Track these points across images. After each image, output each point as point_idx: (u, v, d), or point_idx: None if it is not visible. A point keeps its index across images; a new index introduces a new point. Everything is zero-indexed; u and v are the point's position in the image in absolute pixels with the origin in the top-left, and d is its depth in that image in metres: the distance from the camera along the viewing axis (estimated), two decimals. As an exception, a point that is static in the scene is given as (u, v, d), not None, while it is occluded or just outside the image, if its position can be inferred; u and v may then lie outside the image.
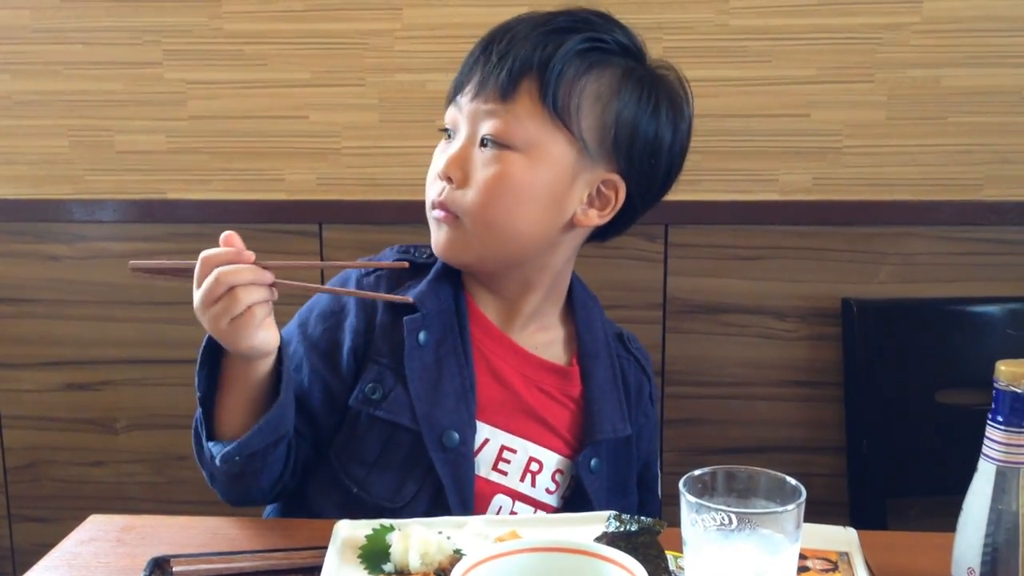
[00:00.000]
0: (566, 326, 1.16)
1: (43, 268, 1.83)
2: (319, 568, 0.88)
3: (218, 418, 1.00)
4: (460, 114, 1.06)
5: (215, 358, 0.99)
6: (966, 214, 1.69)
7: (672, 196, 1.69)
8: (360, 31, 1.71)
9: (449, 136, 1.09)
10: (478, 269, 1.11)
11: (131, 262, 0.97)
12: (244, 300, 0.91)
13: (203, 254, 0.93)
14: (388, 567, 0.88)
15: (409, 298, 1.05)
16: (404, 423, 1.05)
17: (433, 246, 1.09)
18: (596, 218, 1.08)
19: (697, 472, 0.78)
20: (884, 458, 1.67)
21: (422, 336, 1.06)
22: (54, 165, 1.80)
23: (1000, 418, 0.81)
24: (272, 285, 0.94)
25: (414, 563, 0.86)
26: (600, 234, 1.14)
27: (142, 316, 1.82)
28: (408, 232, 1.62)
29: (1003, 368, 0.80)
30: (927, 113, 1.67)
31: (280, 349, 0.99)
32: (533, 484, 1.09)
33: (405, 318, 1.07)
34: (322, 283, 1.16)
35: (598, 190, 1.07)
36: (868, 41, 1.65)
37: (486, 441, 1.08)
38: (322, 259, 1.77)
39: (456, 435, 1.04)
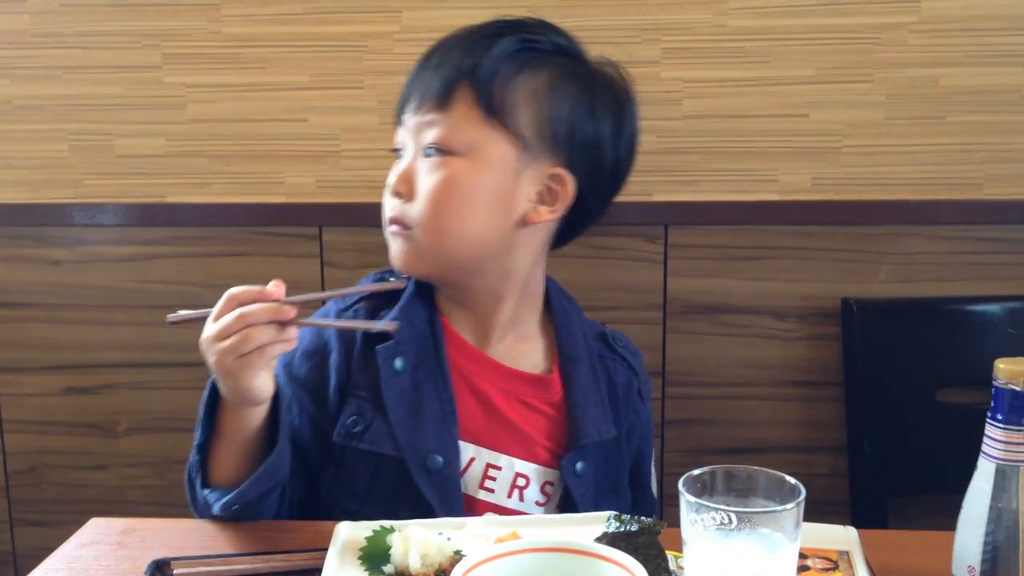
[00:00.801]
0: (546, 332, 1.17)
1: (44, 272, 1.83)
2: (319, 570, 0.88)
3: (211, 466, 1.02)
4: (406, 131, 1.09)
5: (214, 409, 1.00)
6: (966, 213, 1.69)
7: (671, 197, 1.71)
8: (359, 34, 1.71)
9: (399, 155, 1.11)
10: (439, 279, 1.12)
11: (168, 316, 0.98)
12: (255, 340, 0.92)
13: (229, 291, 0.94)
14: (388, 568, 0.88)
15: (396, 324, 1.06)
16: (387, 452, 1.06)
17: (391, 260, 1.11)
18: (547, 214, 1.09)
19: (696, 472, 0.78)
20: (884, 457, 1.67)
21: (398, 362, 1.08)
22: (54, 169, 1.80)
23: (999, 416, 0.81)
24: (289, 323, 0.94)
25: (414, 564, 0.86)
26: (561, 237, 1.15)
27: (143, 320, 1.82)
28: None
29: (1002, 366, 0.80)
30: (926, 112, 1.67)
31: (276, 397, 1.00)
32: (521, 499, 1.09)
33: (378, 347, 1.08)
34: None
35: (547, 187, 1.08)
36: (866, 41, 1.65)
37: (471, 460, 1.08)
38: (322, 262, 1.77)
39: (440, 458, 1.05)
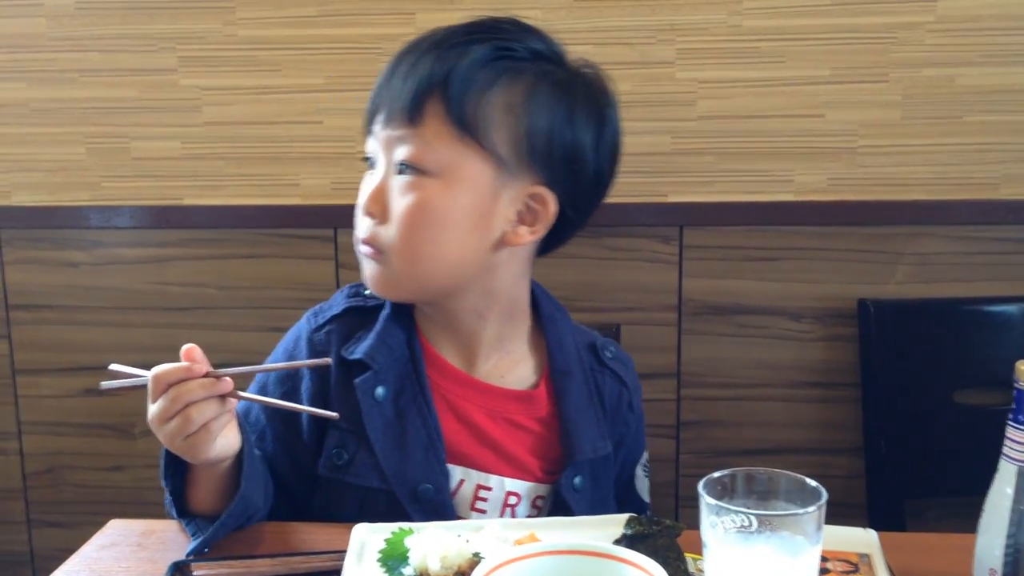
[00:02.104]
0: (535, 346, 1.13)
1: (60, 274, 1.84)
2: (338, 572, 0.88)
3: (188, 502, 1.01)
4: (377, 143, 1.03)
5: (177, 462, 0.98)
6: (983, 213, 1.68)
7: (686, 197, 1.71)
8: (373, 36, 1.71)
9: (371, 165, 1.05)
10: (417, 301, 1.08)
11: (101, 384, 0.94)
12: (198, 420, 0.89)
13: (154, 371, 0.91)
14: (407, 571, 0.88)
15: (335, 415, 0.97)
16: (375, 485, 1.03)
17: (365, 282, 1.06)
18: (527, 235, 1.03)
19: (717, 474, 0.77)
20: (902, 459, 1.66)
21: (380, 391, 1.04)
22: (71, 172, 1.81)
23: (1021, 418, 0.80)
24: (228, 395, 0.92)
25: (433, 566, 0.86)
26: (544, 248, 1.10)
27: (159, 321, 1.83)
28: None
29: (1023, 368, 0.80)
30: (942, 112, 1.66)
31: (243, 439, 0.97)
32: (513, 516, 1.07)
33: (357, 381, 1.04)
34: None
35: (527, 205, 1.02)
36: (882, 41, 1.64)
37: (461, 482, 1.06)
38: (337, 264, 1.78)
39: (430, 486, 1.03)
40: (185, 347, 0.92)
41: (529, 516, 1.08)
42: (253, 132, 1.76)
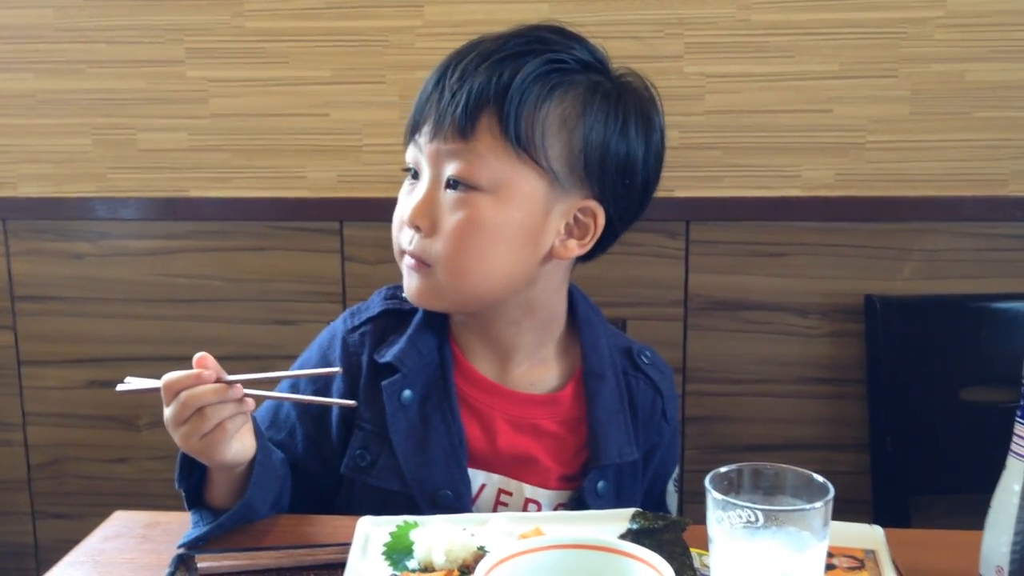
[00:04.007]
0: (565, 351, 1.12)
1: (67, 266, 1.84)
2: (343, 565, 0.88)
3: (201, 495, 1.01)
4: (421, 154, 1.02)
5: (193, 464, 0.98)
6: (991, 210, 1.67)
7: (693, 192, 1.71)
8: (381, 28, 1.71)
9: (414, 176, 1.04)
10: (457, 312, 1.07)
11: (118, 387, 0.94)
12: (213, 418, 0.90)
13: (165, 378, 0.91)
14: (412, 564, 0.88)
15: (353, 403, 1.00)
16: (395, 488, 1.03)
17: (406, 294, 1.05)
18: (576, 248, 1.03)
19: (723, 469, 0.77)
20: (907, 455, 1.66)
21: (407, 394, 1.04)
22: (77, 163, 1.81)
23: (1030, 415, 0.80)
24: (242, 398, 0.92)
25: (438, 560, 0.86)
26: (585, 256, 1.09)
27: (165, 313, 1.83)
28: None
29: (1033, 365, 0.79)
30: (951, 108, 1.65)
31: (258, 445, 0.98)
32: None
33: (384, 383, 1.04)
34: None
35: (575, 218, 1.02)
36: (891, 35, 1.63)
37: (482, 487, 1.06)
38: (343, 257, 1.77)
39: (449, 493, 1.03)
40: (197, 356, 0.92)
41: None
42: (260, 124, 1.76)
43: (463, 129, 0.97)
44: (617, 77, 1.04)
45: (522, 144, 0.97)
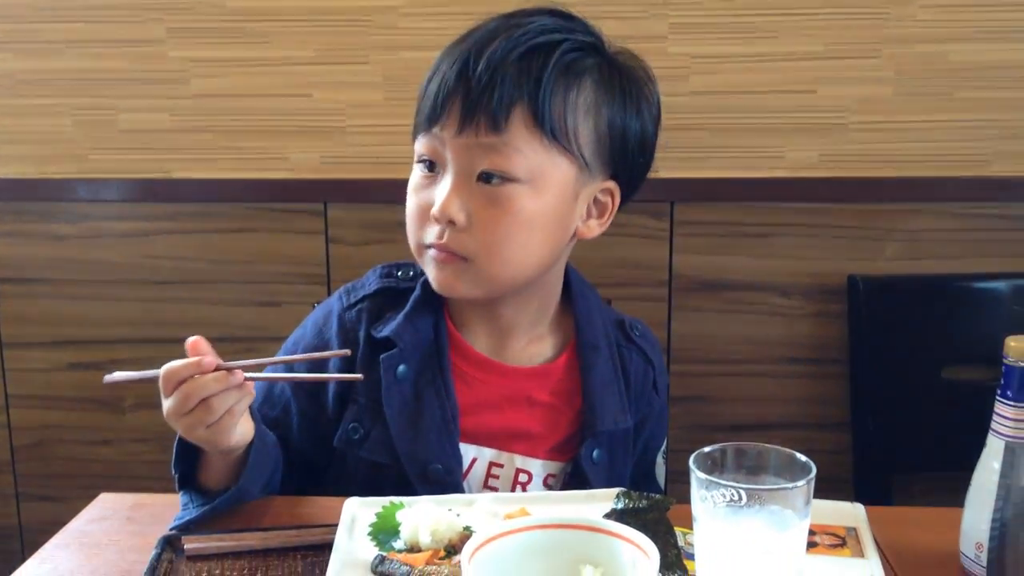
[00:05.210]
0: (559, 324, 1.14)
1: (48, 247, 1.83)
2: (330, 545, 0.88)
3: (194, 478, 1.01)
4: (442, 147, 1.00)
5: (188, 449, 0.98)
6: (973, 190, 1.68)
7: (677, 173, 1.71)
8: (364, 8, 1.69)
9: (431, 168, 1.02)
10: (488, 298, 1.07)
11: (105, 377, 0.94)
12: (220, 409, 0.90)
13: (164, 369, 0.91)
14: (398, 544, 0.88)
15: (360, 376, 1.00)
16: (386, 462, 1.04)
17: (435, 285, 1.04)
18: (597, 228, 1.06)
19: (707, 449, 0.78)
20: (889, 434, 1.68)
21: (402, 369, 1.05)
22: (58, 144, 1.79)
23: (1009, 394, 0.81)
24: (243, 384, 0.91)
25: (424, 540, 0.86)
26: None
27: (147, 295, 1.82)
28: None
29: (1013, 344, 0.80)
30: (934, 89, 1.66)
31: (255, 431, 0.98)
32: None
33: (382, 356, 1.05)
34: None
35: (595, 199, 1.05)
36: (875, 16, 1.64)
37: (473, 461, 1.08)
38: (327, 238, 1.77)
39: (440, 467, 1.04)
40: (190, 340, 0.92)
41: None
42: (242, 105, 1.75)
43: (497, 123, 0.96)
44: (613, 56, 1.06)
45: (556, 135, 0.98)
